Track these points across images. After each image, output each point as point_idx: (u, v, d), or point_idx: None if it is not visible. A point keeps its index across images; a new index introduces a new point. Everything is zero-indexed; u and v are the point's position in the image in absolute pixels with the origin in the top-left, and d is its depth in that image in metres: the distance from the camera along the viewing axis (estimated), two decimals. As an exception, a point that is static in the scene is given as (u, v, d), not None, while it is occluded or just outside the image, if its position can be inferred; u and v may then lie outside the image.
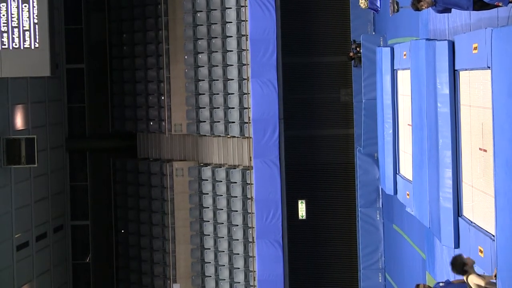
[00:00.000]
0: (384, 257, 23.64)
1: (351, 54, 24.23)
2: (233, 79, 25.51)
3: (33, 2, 22.24)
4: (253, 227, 24.94)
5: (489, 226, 10.92)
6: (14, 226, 24.68)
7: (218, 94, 25.95)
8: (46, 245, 27.13)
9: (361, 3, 21.36)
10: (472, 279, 9.91)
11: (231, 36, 25.48)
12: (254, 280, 25.06)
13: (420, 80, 14.25)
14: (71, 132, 29.42)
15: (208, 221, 26.40)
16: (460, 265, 9.96)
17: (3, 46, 22.32)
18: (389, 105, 18.06)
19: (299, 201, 25.42)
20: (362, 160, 23.51)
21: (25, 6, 22.29)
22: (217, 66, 25.90)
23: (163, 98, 27.58)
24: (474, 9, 10.14)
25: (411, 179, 15.89)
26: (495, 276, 10.11)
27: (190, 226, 27.09)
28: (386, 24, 21.88)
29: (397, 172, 17.95)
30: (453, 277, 10.47)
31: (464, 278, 10.04)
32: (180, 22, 27.00)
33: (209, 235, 26.42)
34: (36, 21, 22.28)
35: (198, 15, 26.30)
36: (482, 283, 9.81)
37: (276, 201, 24.28)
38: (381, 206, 23.68)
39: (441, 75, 12.77)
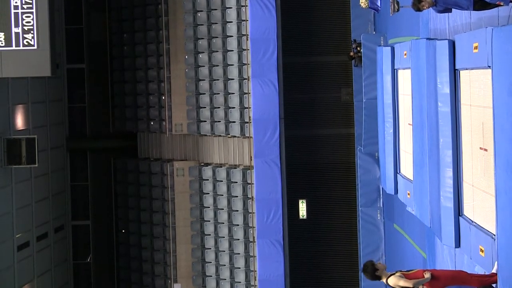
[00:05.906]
0: (385, 256, 23.64)
1: (352, 53, 24.22)
2: (233, 79, 25.51)
3: (33, 2, 22.22)
4: (253, 227, 24.95)
5: (490, 225, 10.91)
6: (15, 226, 24.68)
7: (219, 93, 25.96)
8: (47, 245, 27.13)
9: (361, 2, 21.33)
10: (397, 282, 9.99)
11: (232, 36, 25.49)
12: (255, 279, 25.07)
13: (421, 79, 14.24)
14: (72, 132, 29.42)
15: (209, 221, 26.40)
16: (372, 271, 10.07)
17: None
18: (390, 104, 18.05)
19: (300, 201, 25.41)
20: (363, 159, 23.51)
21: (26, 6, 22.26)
22: (217, 66, 25.90)
23: (163, 98, 27.59)
24: (474, 9, 10.13)
25: (411, 179, 15.88)
26: (495, 275, 10.12)
27: (191, 226, 27.09)
28: (386, 24, 21.87)
29: (398, 172, 17.94)
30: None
31: (384, 281, 10.13)
32: (181, 21, 27.01)
33: (209, 234, 26.42)
34: (36, 21, 22.26)
35: (199, 14, 26.31)
36: (409, 284, 9.94)
37: (277, 201, 24.28)
38: (381, 205, 23.68)
39: (442, 74, 12.76)
